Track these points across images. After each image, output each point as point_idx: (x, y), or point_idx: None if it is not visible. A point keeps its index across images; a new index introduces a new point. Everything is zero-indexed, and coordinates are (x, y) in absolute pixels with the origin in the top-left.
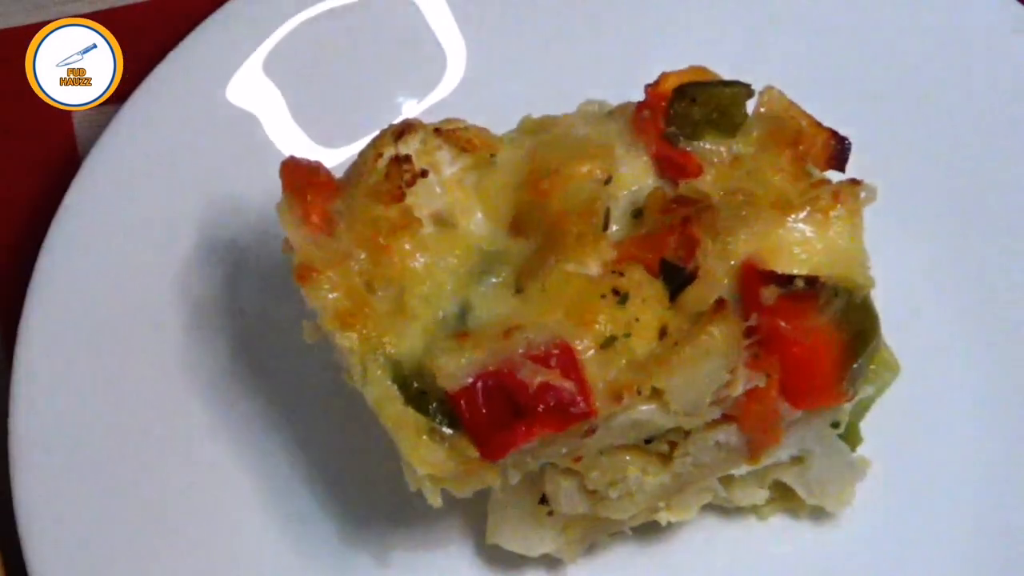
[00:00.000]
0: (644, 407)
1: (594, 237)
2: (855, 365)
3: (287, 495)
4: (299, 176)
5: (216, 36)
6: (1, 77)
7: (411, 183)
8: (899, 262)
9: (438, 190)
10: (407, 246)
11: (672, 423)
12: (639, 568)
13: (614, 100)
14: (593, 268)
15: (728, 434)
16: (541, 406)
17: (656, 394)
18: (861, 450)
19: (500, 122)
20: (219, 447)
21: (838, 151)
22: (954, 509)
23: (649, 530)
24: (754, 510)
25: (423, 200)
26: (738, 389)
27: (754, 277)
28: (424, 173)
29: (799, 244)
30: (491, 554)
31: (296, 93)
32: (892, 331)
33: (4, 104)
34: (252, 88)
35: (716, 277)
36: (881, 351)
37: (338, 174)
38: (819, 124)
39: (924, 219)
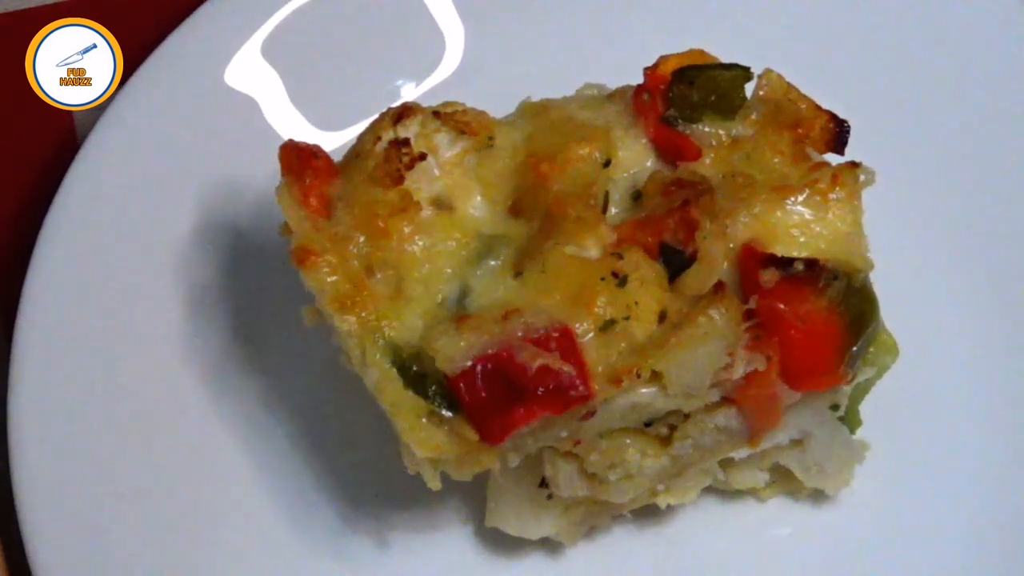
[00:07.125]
0: (643, 390)
1: (593, 220)
2: (854, 348)
3: (287, 478)
4: (298, 159)
5: (215, 19)
6: (1, 77)
7: (410, 166)
8: (898, 244)
9: (437, 173)
10: (406, 229)
11: (671, 406)
12: (638, 551)
13: (613, 83)
14: (592, 251)
15: (728, 417)
16: (540, 389)
17: (655, 377)
18: (860, 433)
19: (499, 105)
20: (219, 431)
21: (837, 134)
22: (952, 491)
23: (649, 513)
24: (753, 492)
25: (422, 183)
26: (737, 372)
27: (753, 260)
28: (423, 156)
29: (798, 227)
30: (490, 537)
31: (295, 77)
32: (891, 314)
33: (4, 104)
34: (251, 72)
35: (715, 260)
36: (880, 334)
37: (337, 157)
38: (818, 107)
39: (923, 202)
